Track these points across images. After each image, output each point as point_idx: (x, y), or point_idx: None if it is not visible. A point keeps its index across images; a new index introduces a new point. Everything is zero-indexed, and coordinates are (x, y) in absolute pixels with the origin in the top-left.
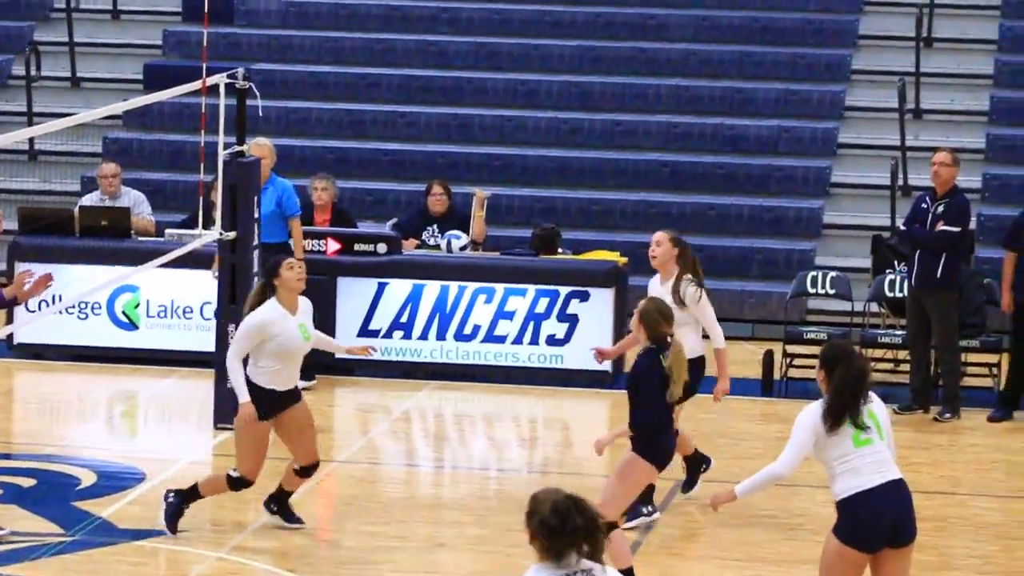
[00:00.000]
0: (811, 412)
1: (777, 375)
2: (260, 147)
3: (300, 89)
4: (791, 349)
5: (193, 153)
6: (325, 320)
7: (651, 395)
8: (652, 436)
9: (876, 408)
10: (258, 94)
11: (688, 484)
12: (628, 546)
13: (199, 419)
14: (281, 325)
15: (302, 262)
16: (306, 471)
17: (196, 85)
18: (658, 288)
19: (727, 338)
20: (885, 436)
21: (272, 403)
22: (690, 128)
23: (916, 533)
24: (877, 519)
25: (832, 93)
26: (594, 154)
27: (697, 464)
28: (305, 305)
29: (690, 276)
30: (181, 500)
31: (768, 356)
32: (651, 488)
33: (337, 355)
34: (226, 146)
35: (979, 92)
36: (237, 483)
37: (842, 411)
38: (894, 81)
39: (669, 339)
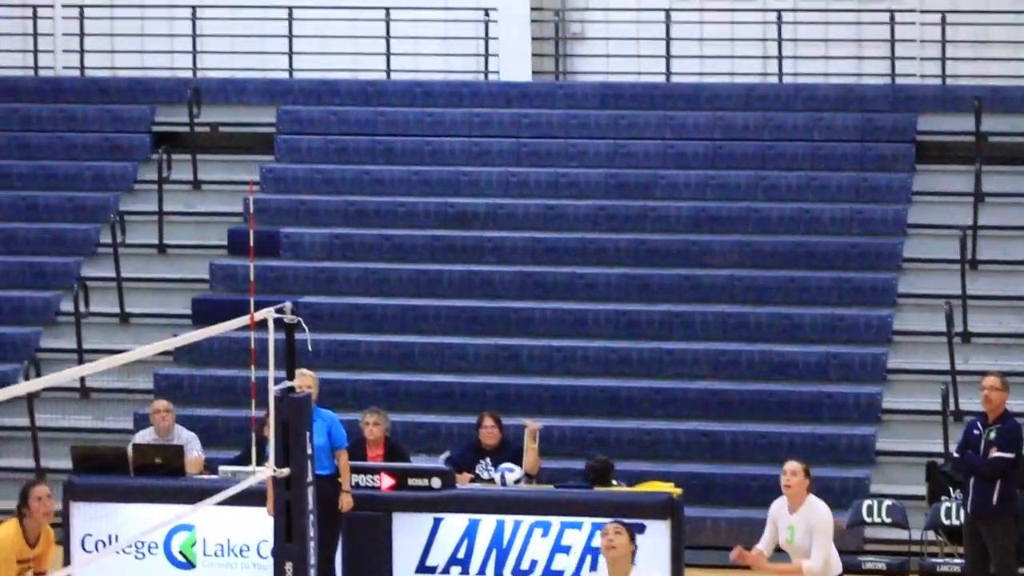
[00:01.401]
0: None
1: None
2: (305, 377)
3: (348, 322)
4: None
5: (244, 388)
6: (381, 556)
7: None
8: None
9: None
10: (306, 328)
11: None
12: None
13: None
14: None
15: None
16: None
17: (245, 320)
18: (785, 515)
19: None
20: None
21: None
22: (738, 355)
23: None
24: None
25: (879, 317)
26: (644, 383)
27: None
28: None
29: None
30: None
31: None
32: None
33: None
34: (277, 381)
35: None
36: None
37: None
38: (941, 304)
39: None
